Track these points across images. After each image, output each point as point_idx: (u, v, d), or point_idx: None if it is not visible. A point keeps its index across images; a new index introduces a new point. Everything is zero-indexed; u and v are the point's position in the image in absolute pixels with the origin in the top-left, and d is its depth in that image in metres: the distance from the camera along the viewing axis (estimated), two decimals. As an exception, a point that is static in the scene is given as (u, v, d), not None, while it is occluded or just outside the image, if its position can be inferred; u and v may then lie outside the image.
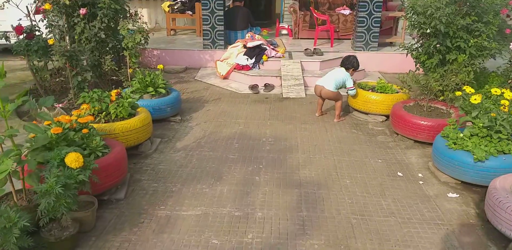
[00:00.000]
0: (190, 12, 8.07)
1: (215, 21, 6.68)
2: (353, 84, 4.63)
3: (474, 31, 4.46)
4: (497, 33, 4.56)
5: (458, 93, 3.31)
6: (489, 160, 2.95)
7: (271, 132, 4.26)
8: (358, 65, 4.75)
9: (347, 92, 4.67)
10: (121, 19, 5.74)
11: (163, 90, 4.42)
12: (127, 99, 3.64)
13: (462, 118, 3.24)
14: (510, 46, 4.31)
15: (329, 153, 3.77)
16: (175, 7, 8.06)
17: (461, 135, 3.08)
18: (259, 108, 5.03)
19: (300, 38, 8.08)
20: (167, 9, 8.05)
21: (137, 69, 4.86)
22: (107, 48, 5.32)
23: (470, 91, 3.21)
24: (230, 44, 6.77)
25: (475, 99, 3.04)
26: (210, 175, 3.31)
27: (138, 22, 6.13)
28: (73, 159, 2.37)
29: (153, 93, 4.36)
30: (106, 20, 5.01)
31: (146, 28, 5.36)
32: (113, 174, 2.86)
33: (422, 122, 3.80)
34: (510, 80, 4.88)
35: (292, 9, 7.92)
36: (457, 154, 3.08)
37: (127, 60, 4.92)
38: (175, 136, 4.11)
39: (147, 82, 4.37)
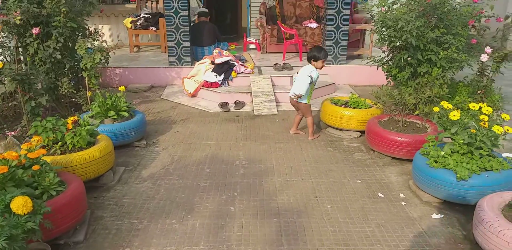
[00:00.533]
0: (153, 28, 7.81)
1: (180, 37, 6.45)
2: (314, 79, 4.22)
3: (444, 44, 4.45)
4: (465, 44, 4.58)
5: (435, 109, 3.22)
6: (472, 178, 2.84)
7: (244, 153, 4.04)
8: (320, 54, 4.21)
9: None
10: (79, 38, 5.42)
11: (125, 114, 4.13)
12: (85, 126, 3.33)
13: (441, 135, 3.13)
14: (481, 58, 4.30)
15: (306, 175, 3.57)
16: (138, 23, 7.78)
17: (442, 152, 2.96)
18: (230, 127, 4.80)
19: (269, 53, 7.96)
20: (129, 25, 7.76)
21: (97, 91, 4.55)
22: (65, 70, 4.98)
23: (447, 106, 3.12)
24: (198, 61, 6.55)
25: (454, 115, 2.94)
26: (180, 207, 3.03)
27: (98, 40, 5.84)
28: (20, 204, 2.06)
29: (115, 117, 4.06)
30: (62, 39, 4.69)
31: (106, 46, 5.06)
32: (70, 214, 2.54)
33: (399, 138, 3.68)
34: (480, 91, 4.90)
35: (259, 23, 7.81)
36: (439, 172, 2.96)
37: (86, 81, 4.59)
38: (140, 163, 3.81)
39: (108, 106, 4.06)
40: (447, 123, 3.10)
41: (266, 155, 4.01)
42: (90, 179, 3.23)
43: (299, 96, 4.27)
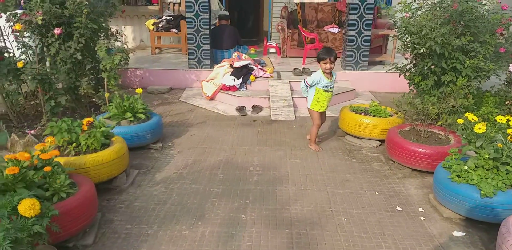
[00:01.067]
0: (175, 30, 7.84)
1: (200, 40, 6.44)
2: (308, 82, 4.05)
3: (470, 52, 4.28)
4: (493, 53, 4.39)
5: (459, 120, 3.07)
6: (497, 195, 2.69)
7: (259, 159, 3.96)
8: (322, 55, 3.91)
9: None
10: (101, 39, 5.47)
11: (142, 116, 4.12)
12: (100, 128, 3.32)
13: (465, 148, 2.99)
14: (510, 68, 4.12)
15: (322, 184, 3.47)
16: (160, 25, 7.82)
17: (466, 167, 2.82)
18: (246, 132, 4.74)
19: (289, 57, 7.88)
20: (151, 27, 7.81)
21: (116, 92, 4.56)
22: (85, 70, 5.02)
23: (472, 118, 2.97)
24: (217, 64, 6.52)
25: (479, 128, 2.80)
26: (191, 213, 2.98)
27: (120, 41, 5.89)
28: (28, 207, 2.04)
29: (132, 119, 4.05)
30: (83, 40, 4.73)
31: (126, 47, 5.08)
32: (80, 217, 2.52)
33: (420, 149, 3.54)
34: (508, 102, 4.69)
35: (280, 27, 7.74)
36: (462, 188, 2.82)
37: (105, 82, 4.61)
38: (154, 166, 3.78)
39: (125, 107, 4.06)
40: (471, 136, 2.95)
41: (281, 162, 3.93)
42: (103, 181, 3.21)
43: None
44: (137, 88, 6.63)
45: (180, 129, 4.80)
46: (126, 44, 5.22)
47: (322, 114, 4.23)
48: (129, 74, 6.68)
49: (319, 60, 3.98)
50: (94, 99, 5.09)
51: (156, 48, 8.18)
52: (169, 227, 2.81)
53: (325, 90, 4.05)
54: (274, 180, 3.54)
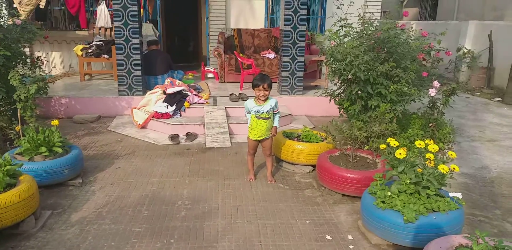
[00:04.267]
0: (106, 56, 7.56)
1: (131, 65, 6.22)
2: (245, 110, 4.00)
3: (394, 77, 4.46)
4: (416, 77, 4.61)
5: (382, 146, 3.11)
6: (419, 220, 2.70)
7: (189, 192, 3.76)
8: (256, 81, 3.77)
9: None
10: (20, 66, 5.10)
11: (59, 150, 3.79)
12: (5, 167, 2.98)
13: (388, 173, 3.01)
14: (429, 92, 4.32)
15: (252, 216, 3.34)
16: (90, 51, 7.50)
17: (389, 193, 2.82)
18: (178, 162, 4.53)
19: (227, 82, 7.86)
20: (80, 53, 7.47)
21: (31, 124, 4.19)
22: (-3, 101, 4.61)
23: (394, 144, 3.02)
24: (150, 90, 6.31)
25: (400, 154, 2.84)
26: (106, 259, 2.70)
27: (41, 68, 5.53)
28: None
29: (47, 153, 3.71)
30: (-5, 68, 4.35)
31: (44, 75, 4.75)
32: (-35, 275, 2.17)
33: (349, 175, 3.54)
34: (431, 124, 4.91)
35: (216, 52, 7.73)
36: (386, 214, 2.81)
37: (19, 114, 4.23)
38: (71, 205, 3.45)
39: (39, 141, 3.72)
40: (394, 161, 2.99)
41: (212, 193, 3.76)
42: (8, 226, 2.85)
43: None
44: (63, 118, 6.33)
45: (105, 161, 4.49)
46: (44, 72, 4.86)
47: (262, 142, 3.98)
48: (53, 103, 6.26)
49: (253, 87, 3.83)
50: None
51: (85, 74, 7.83)
52: (80, 277, 2.51)
53: (257, 117, 3.88)
54: (203, 214, 3.35)
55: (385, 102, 4.42)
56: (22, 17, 5.50)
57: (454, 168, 2.81)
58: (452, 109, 5.95)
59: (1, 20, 4.83)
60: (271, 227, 3.17)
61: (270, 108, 3.87)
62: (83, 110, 6.32)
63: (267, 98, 3.85)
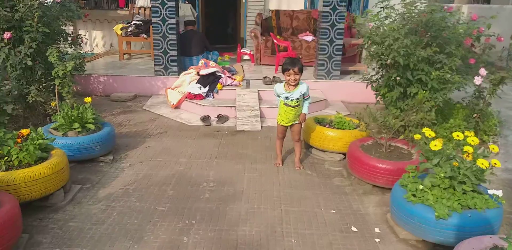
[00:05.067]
0: (144, 36, 7.61)
1: (167, 46, 6.23)
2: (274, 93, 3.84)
3: (436, 63, 4.17)
4: (462, 64, 4.29)
5: (417, 136, 2.92)
6: (453, 217, 2.53)
7: (215, 174, 3.75)
8: (286, 65, 3.60)
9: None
10: (60, 43, 5.22)
11: (92, 126, 3.87)
12: (37, 140, 3.07)
13: (422, 165, 2.83)
14: (475, 81, 4.01)
15: (276, 202, 3.27)
16: (129, 30, 7.59)
17: (421, 186, 2.66)
18: (207, 144, 4.52)
19: (262, 65, 7.73)
20: (119, 32, 7.57)
21: (68, 100, 4.30)
22: (37, 76, 4.74)
23: (429, 135, 2.82)
24: (185, 71, 6.31)
25: (435, 145, 2.64)
26: (128, 235, 2.74)
27: (81, 46, 5.65)
28: None
29: (79, 129, 3.80)
30: (34, 45, 4.46)
31: (83, 52, 4.84)
32: (-5, 242, 2.26)
33: (380, 165, 3.38)
34: (476, 115, 4.60)
35: (253, 34, 7.59)
36: (417, 208, 2.65)
37: (56, 90, 4.34)
38: (100, 181, 3.53)
39: (73, 117, 3.81)
40: (429, 153, 2.80)
41: (238, 176, 3.72)
42: (37, 198, 2.96)
43: None
44: (101, 95, 6.48)
45: (136, 140, 4.56)
46: (81, 50, 4.95)
47: (290, 128, 3.87)
48: (92, 80, 6.41)
49: (283, 71, 3.67)
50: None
51: (125, 53, 7.94)
52: (101, 251, 2.57)
53: (285, 104, 3.73)
54: (227, 197, 3.32)
55: (425, 90, 4.16)
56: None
57: (495, 163, 2.59)
58: (501, 100, 5.53)
59: (42, -3, 4.91)
60: (294, 214, 3.10)
61: (300, 95, 3.71)
62: (121, 89, 6.44)
63: (298, 83, 3.70)
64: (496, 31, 4.47)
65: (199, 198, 3.28)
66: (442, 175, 2.61)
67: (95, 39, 9.07)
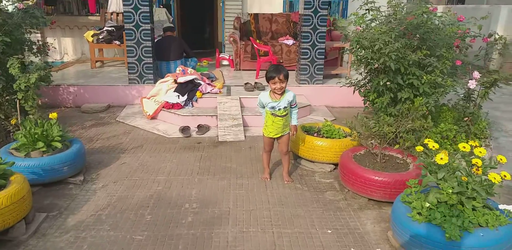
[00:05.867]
0: (117, 42, 7.22)
1: (141, 52, 5.87)
2: (257, 103, 3.55)
3: (427, 67, 3.98)
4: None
5: (418, 148, 2.68)
6: (464, 237, 2.29)
7: (197, 193, 3.43)
8: (271, 72, 3.30)
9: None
10: (24, 52, 4.81)
11: (58, 145, 3.49)
12: (-8, 165, 2.69)
13: (425, 179, 2.59)
14: (469, 85, 3.84)
15: (267, 223, 2.98)
16: (100, 37, 7.18)
17: (427, 204, 2.41)
18: (187, 158, 4.20)
19: (242, 70, 7.45)
20: (90, 39, 7.16)
21: (30, 116, 3.91)
22: (-2, 90, 4.32)
23: (433, 146, 2.59)
24: (163, 78, 5.96)
25: (441, 158, 2.41)
26: (101, 273, 2.40)
27: (47, 54, 5.24)
28: None
29: (44, 149, 3.42)
30: (-7, 55, 4.06)
31: (48, 62, 4.45)
32: None
33: (376, 177, 3.14)
34: (466, 118, 4.43)
35: (232, 38, 7.31)
36: (424, 228, 2.41)
37: (18, 104, 3.94)
38: (69, 207, 3.16)
39: (36, 136, 3.42)
40: (432, 166, 2.57)
41: (223, 194, 3.41)
42: (-5, 232, 2.58)
43: None
44: (71, 107, 6.06)
45: (110, 155, 4.19)
46: (45, 60, 4.56)
47: (277, 140, 3.59)
48: (61, 91, 5.99)
49: (267, 79, 3.37)
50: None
51: (97, 61, 7.53)
52: (69, 295, 2.22)
53: (272, 114, 3.45)
54: (212, 219, 3.01)
55: (416, 95, 3.96)
56: (29, 2, 5.18)
57: (505, 176, 2.38)
58: (485, 100, 5.43)
59: (2, 4, 4.50)
60: (288, 237, 2.81)
61: (288, 103, 3.45)
62: (92, 99, 6.03)
63: (284, 91, 3.44)
64: (472, 31, 4.33)
65: (181, 222, 2.95)
66: (450, 190, 2.37)
67: (65, 47, 8.60)
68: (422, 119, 3.34)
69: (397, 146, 3.37)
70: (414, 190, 2.63)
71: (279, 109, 3.42)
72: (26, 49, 4.88)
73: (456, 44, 4.28)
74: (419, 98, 3.40)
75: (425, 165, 2.63)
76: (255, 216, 3.06)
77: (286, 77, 3.35)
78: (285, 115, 3.46)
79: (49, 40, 8.40)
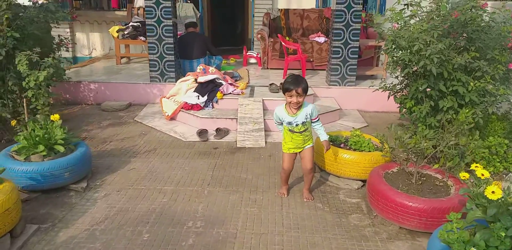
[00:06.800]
0: (142, 38, 7.00)
1: (163, 49, 5.61)
2: (274, 118, 3.17)
3: (475, 71, 3.44)
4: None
5: (464, 175, 2.21)
6: (519, 293, 1.82)
7: (204, 208, 3.09)
8: (288, 84, 2.90)
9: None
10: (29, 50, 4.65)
11: (61, 148, 3.25)
12: (-21, 173, 2.46)
13: (471, 214, 2.12)
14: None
15: (278, 250, 2.60)
16: (126, 32, 6.99)
17: (473, 249, 1.95)
18: (201, 165, 3.88)
19: (270, 69, 7.05)
20: (115, 34, 6.98)
21: (37, 116, 3.71)
22: (9, 88, 4.15)
23: (482, 174, 2.11)
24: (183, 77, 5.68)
25: (493, 192, 1.93)
26: None
27: (67, 50, 5.07)
28: None
29: (45, 153, 3.18)
30: (4, 51, 3.88)
31: (63, 57, 4.25)
32: None
33: (410, 203, 2.68)
34: (520, 131, 3.84)
35: (259, 35, 6.92)
36: (467, 276, 1.95)
37: (25, 103, 3.74)
38: (64, 218, 2.90)
39: (37, 138, 3.20)
40: (480, 199, 2.09)
41: (233, 211, 3.06)
42: (-23, 247, 2.35)
43: None
44: (92, 104, 5.90)
45: (120, 159, 3.93)
46: (59, 55, 4.35)
47: (300, 153, 3.17)
48: (83, 88, 5.83)
49: (283, 91, 2.96)
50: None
51: (123, 57, 7.35)
52: None
53: (290, 130, 3.06)
54: (215, 244, 2.65)
55: (461, 104, 3.43)
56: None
57: None
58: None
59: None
60: (300, 269, 2.42)
61: (306, 118, 3.03)
62: (113, 97, 5.85)
63: (301, 105, 3.01)
64: None
65: (180, 245, 2.62)
66: (503, 234, 1.89)
67: (93, 42, 8.53)
68: (468, 136, 2.83)
69: (436, 166, 2.88)
70: (456, 226, 2.16)
71: (297, 125, 3.02)
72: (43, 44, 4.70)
73: (511, 46, 3.71)
74: (465, 110, 2.89)
75: (471, 196, 2.15)
76: (265, 242, 2.68)
77: (305, 91, 2.92)
78: (304, 131, 3.05)
79: (78, 35, 8.37)
